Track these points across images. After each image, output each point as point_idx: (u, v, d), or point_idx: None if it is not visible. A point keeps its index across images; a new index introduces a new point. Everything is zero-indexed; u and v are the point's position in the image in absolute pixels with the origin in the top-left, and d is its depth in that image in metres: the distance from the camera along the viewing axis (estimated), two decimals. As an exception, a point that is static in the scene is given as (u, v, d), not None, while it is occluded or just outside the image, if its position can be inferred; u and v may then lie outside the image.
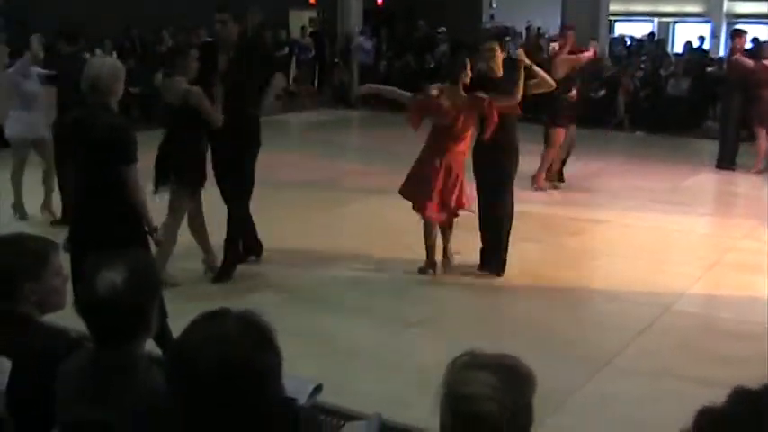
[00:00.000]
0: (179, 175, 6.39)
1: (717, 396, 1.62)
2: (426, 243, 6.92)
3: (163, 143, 6.45)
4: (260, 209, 7.05)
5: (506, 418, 1.75)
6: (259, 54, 6.99)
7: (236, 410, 1.82)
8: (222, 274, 6.71)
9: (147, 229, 4.67)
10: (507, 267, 7.03)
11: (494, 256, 6.97)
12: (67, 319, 2.67)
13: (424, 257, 6.99)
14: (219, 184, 6.79)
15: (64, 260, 2.96)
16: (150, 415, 2.10)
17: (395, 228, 8.14)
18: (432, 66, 18.30)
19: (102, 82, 4.56)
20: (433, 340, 5.56)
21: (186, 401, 1.85)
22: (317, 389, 2.64)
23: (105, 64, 4.72)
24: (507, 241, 6.98)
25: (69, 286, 2.82)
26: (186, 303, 5.59)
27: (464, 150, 6.81)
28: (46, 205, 8.63)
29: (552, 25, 21.15)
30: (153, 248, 4.74)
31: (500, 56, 7.00)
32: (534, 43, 14.96)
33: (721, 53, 21.10)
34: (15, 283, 2.63)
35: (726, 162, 12.12)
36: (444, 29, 19.75)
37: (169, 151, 6.38)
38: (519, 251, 7.27)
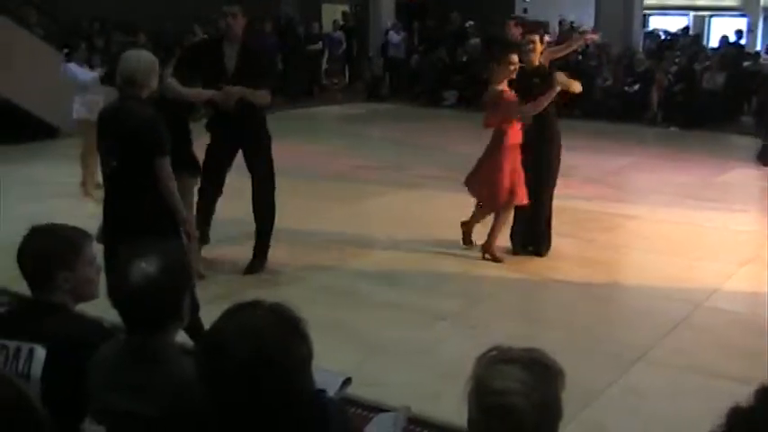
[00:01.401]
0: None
1: (750, 393, 1.60)
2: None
3: None
4: (289, 201, 7.07)
5: (535, 412, 1.74)
6: (263, 58, 6.94)
7: (266, 402, 1.83)
8: (254, 266, 6.73)
9: (178, 220, 4.70)
10: (537, 262, 7.15)
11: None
12: (100, 309, 2.71)
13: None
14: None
15: (97, 250, 3.00)
16: (181, 404, 2.11)
17: (425, 221, 8.14)
18: (464, 59, 18.22)
19: (139, 76, 4.60)
20: (463, 334, 5.55)
21: (217, 392, 1.86)
22: (347, 382, 2.65)
23: (141, 58, 4.75)
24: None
25: (102, 277, 2.85)
26: (216, 296, 5.64)
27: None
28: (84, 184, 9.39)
29: (586, 20, 20.97)
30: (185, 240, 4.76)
31: (540, 48, 7.07)
32: (566, 39, 14.88)
33: (758, 47, 20.81)
34: (50, 272, 2.66)
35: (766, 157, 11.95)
36: (472, 22, 19.63)
37: None
38: (551, 246, 7.28)
